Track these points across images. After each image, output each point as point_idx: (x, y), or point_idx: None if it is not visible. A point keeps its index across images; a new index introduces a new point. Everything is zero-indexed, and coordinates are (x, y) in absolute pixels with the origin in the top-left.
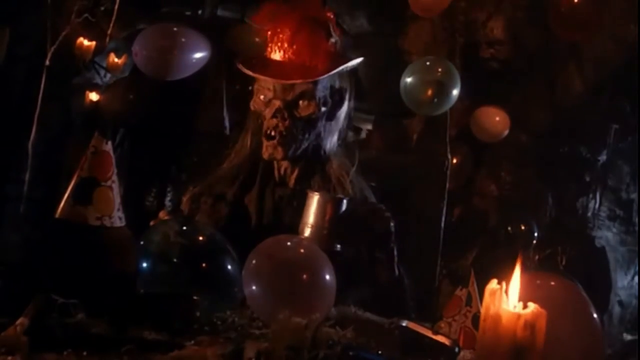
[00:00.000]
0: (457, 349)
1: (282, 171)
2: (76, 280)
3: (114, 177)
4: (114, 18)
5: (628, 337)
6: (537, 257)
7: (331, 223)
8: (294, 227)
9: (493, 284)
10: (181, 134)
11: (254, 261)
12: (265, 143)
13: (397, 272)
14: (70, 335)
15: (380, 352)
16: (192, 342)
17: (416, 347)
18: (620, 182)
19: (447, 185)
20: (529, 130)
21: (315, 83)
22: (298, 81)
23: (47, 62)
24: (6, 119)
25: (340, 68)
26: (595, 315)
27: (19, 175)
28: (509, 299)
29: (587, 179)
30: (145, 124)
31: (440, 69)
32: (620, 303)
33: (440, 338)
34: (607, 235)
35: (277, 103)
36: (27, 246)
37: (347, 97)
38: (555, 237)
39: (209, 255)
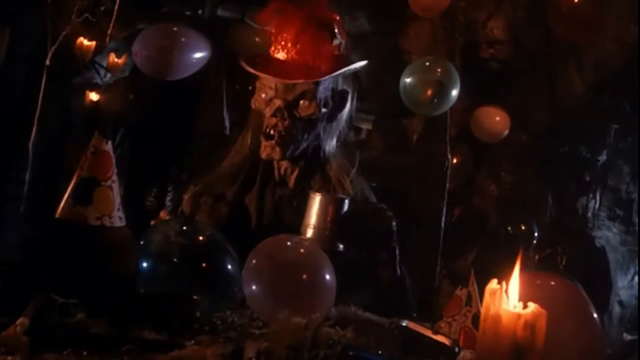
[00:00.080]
0: (457, 349)
1: (282, 171)
2: (76, 280)
3: (114, 177)
4: (114, 18)
5: (628, 337)
6: (537, 257)
7: (333, 223)
8: (294, 227)
9: (493, 283)
10: (181, 133)
11: (254, 261)
12: (263, 143)
13: (399, 271)
14: (70, 335)
15: (380, 352)
16: (192, 342)
17: (416, 347)
18: (620, 182)
19: (447, 185)
20: (529, 130)
21: (317, 84)
22: (300, 81)
23: (48, 62)
24: (6, 119)
25: (343, 70)
26: (595, 315)
27: (19, 175)
28: (509, 298)
29: (587, 179)
30: (145, 123)
31: (439, 69)
32: (620, 303)
33: (440, 338)
34: (607, 235)
35: (278, 102)
36: (27, 246)
37: (348, 99)
38: (555, 237)
39: (209, 255)
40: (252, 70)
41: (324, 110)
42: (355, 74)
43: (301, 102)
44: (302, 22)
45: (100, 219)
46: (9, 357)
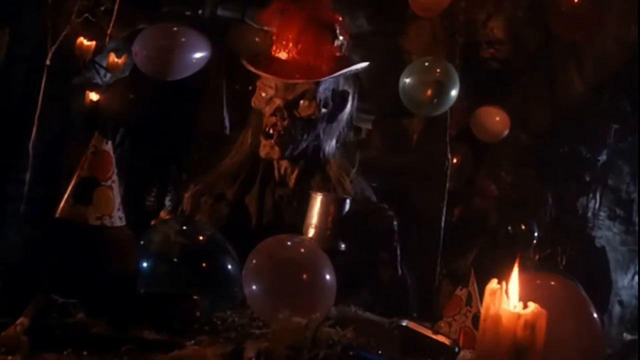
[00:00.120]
0: (457, 349)
1: (282, 171)
2: (76, 280)
3: (114, 177)
4: (114, 18)
5: (628, 337)
6: (537, 257)
7: (335, 223)
8: (294, 227)
9: (493, 283)
10: (181, 133)
11: (254, 261)
12: (263, 142)
13: (400, 271)
14: (70, 335)
15: (380, 352)
16: (192, 342)
17: (416, 346)
18: (620, 182)
19: (447, 185)
20: (529, 130)
21: (317, 84)
22: (300, 81)
23: (48, 62)
24: (6, 119)
25: (344, 71)
26: (595, 315)
27: (19, 175)
28: (509, 298)
29: (587, 179)
30: (146, 123)
31: (438, 70)
32: (620, 303)
33: (441, 338)
34: (607, 235)
35: (278, 101)
36: (27, 246)
37: (349, 100)
38: (555, 237)
39: (209, 255)
40: (253, 69)
41: (323, 110)
42: (357, 75)
43: (301, 102)
44: (303, 22)
45: (101, 218)
46: (9, 357)
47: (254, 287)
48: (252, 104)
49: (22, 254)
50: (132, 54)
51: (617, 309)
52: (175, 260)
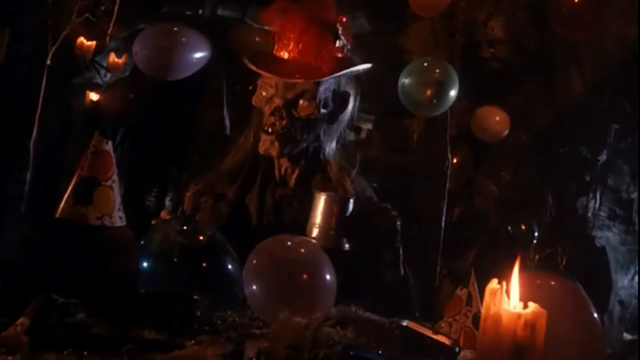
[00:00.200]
0: (457, 349)
1: (282, 171)
2: (76, 280)
3: (115, 177)
4: (114, 18)
5: (628, 337)
6: (537, 257)
7: (338, 223)
8: (295, 227)
9: (493, 283)
10: (181, 133)
11: (254, 261)
12: (262, 137)
13: (402, 271)
14: (70, 335)
15: (380, 352)
16: (192, 342)
17: (416, 346)
18: (620, 182)
19: (447, 185)
20: (529, 130)
21: (318, 84)
22: (300, 80)
23: (48, 62)
24: (7, 119)
25: (344, 72)
26: (595, 315)
27: (20, 175)
28: (510, 298)
29: (587, 179)
30: (146, 123)
31: (438, 70)
32: (621, 303)
33: (441, 338)
34: (607, 235)
35: (277, 101)
36: (27, 246)
37: (350, 101)
38: (555, 237)
39: (210, 255)
40: (253, 68)
41: (323, 111)
42: (358, 76)
43: (300, 101)
44: (305, 22)
45: (101, 218)
46: (9, 357)
47: (254, 287)
48: (253, 103)
49: (22, 254)
50: (132, 54)
51: (617, 309)
52: (175, 260)
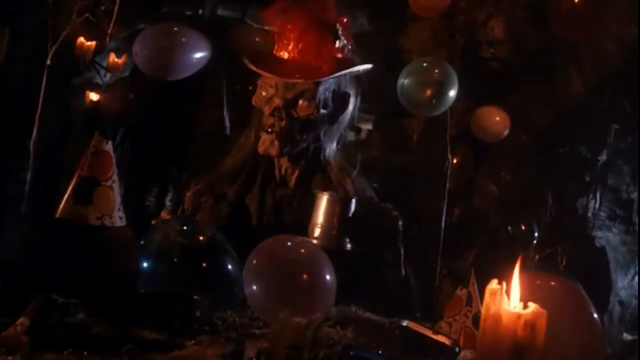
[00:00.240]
0: (457, 349)
1: (282, 171)
2: (76, 280)
3: (115, 177)
4: (114, 18)
5: (628, 337)
6: (537, 257)
7: (340, 223)
8: (295, 227)
9: (493, 284)
10: (181, 133)
11: (254, 261)
12: (262, 137)
13: (403, 272)
14: (70, 335)
15: (380, 352)
16: (192, 342)
17: (416, 346)
18: (620, 182)
19: (447, 185)
20: (529, 130)
21: (317, 84)
22: (299, 80)
23: (48, 62)
24: (7, 119)
25: (343, 72)
26: (595, 315)
27: (20, 175)
28: (510, 298)
29: (587, 179)
30: (146, 123)
31: (437, 70)
32: (620, 303)
33: (441, 338)
34: (607, 235)
35: (277, 101)
36: (28, 246)
37: (350, 101)
38: (555, 237)
39: (210, 255)
40: (253, 68)
41: (323, 111)
42: (358, 76)
43: (300, 101)
44: (305, 22)
45: (101, 218)
46: (9, 357)
47: (254, 287)
48: (253, 103)
49: (22, 254)
50: (132, 54)
51: (617, 309)
52: (175, 260)
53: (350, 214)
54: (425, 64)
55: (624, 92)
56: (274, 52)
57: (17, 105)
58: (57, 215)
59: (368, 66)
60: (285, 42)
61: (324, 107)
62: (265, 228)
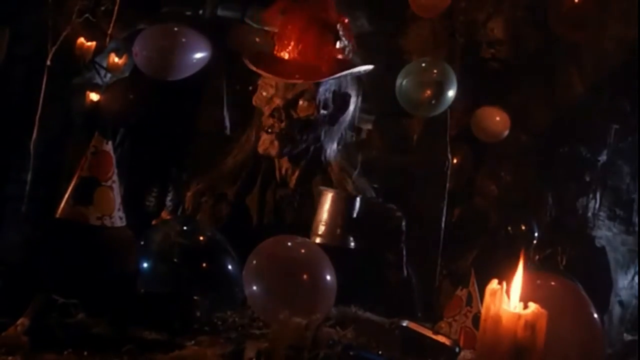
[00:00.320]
0: (457, 349)
1: (283, 172)
2: (76, 280)
3: (115, 177)
4: (114, 18)
5: (628, 337)
6: (537, 257)
7: (345, 221)
8: (295, 227)
9: (493, 284)
10: (181, 133)
11: (254, 261)
12: (262, 137)
13: (405, 272)
14: (70, 335)
15: (380, 352)
16: (192, 342)
17: (416, 347)
18: (620, 182)
19: (447, 185)
20: (529, 130)
21: (317, 84)
22: (299, 81)
23: (48, 62)
24: (7, 119)
25: (344, 73)
26: (595, 315)
27: (20, 175)
28: (510, 299)
29: (587, 179)
30: (146, 123)
31: (436, 70)
32: (621, 303)
33: (441, 338)
34: (607, 235)
35: (277, 101)
36: (28, 246)
37: (351, 102)
38: (555, 237)
39: (210, 255)
40: (253, 68)
41: (323, 112)
42: (359, 77)
43: (300, 102)
44: (305, 22)
45: (101, 219)
46: (9, 357)
47: (254, 287)
48: (254, 103)
49: (22, 254)
50: (132, 55)
51: (617, 309)
52: (175, 260)
53: (355, 213)
54: (424, 64)
55: (624, 92)
56: (274, 52)
57: (17, 106)
58: (57, 216)
59: (369, 67)
60: (285, 42)
61: (325, 108)
62: (266, 228)
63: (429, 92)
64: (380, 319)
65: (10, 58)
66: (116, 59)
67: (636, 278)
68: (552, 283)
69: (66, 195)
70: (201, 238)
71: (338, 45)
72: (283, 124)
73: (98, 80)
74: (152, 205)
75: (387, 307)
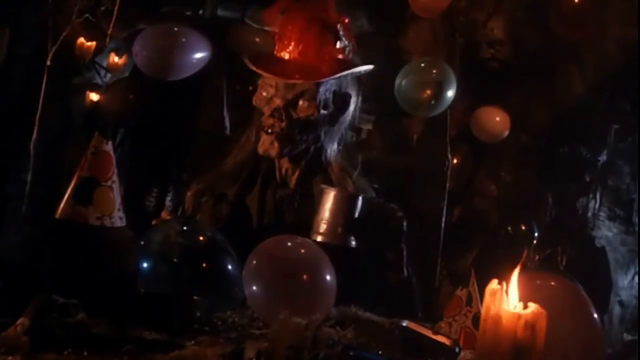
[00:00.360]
0: (457, 349)
1: (283, 172)
2: (76, 280)
3: (115, 177)
4: (114, 18)
5: (628, 337)
6: (537, 257)
7: (347, 219)
8: (295, 227)
9: (493, 284)
10: (181, 133)
11: (254, 261)
12: (262, 137)
13: (405, 272)
14: (70, 335)
15: (380, 352)
16: (192, 342)
17: (416, 347)
18: (620, 182)
19: (447, 185)
20: (529, 130)
21: (318, 84)
22: (299, 81)
23: (48, 62)
24: (7, 119)
25: (343, 73)
26: (595, 315)
27: (20, 175)
28: (510, 299)
29: (587, 179)
30: (146, 123)
31: (435, 70)
32: (621, 303)
33: (441, 338)
34: (607, 235)
35: (277, 102)
36: (27, 246)
37: (351, 102)
38: (555, 237)
39: (210, 256)
40: (253, 68)
41: (323, 112)
42: (359, 77)
43: (300, 102)
44: (305, 22)
45: (101, 219)
46: (9, 357)
47: (254, 287)
48: (254, 103)
49: (22, 254)
50: (132, 55)
51: (617, 309)
52: (175, 260)
53: (356, 212)
54: (423, 64)
55: (624, 92)
56: (275, 52)
57: (17, 106)
58: (57, 216)
59: (369, 67)
60: (285, 42)
61: (325, 108)
62: (266, 228)
63: (428, 92)
64: (380, 319)
65: (10, 58)
66: (116, 59)
67: (636, 278)
68: (552, 283)
69: (66, 195)
70: (201, 238)
71: (338, 45)
72: (283, 123)
73: (98, 80)
74: (152, 205)
75: (387, 307)
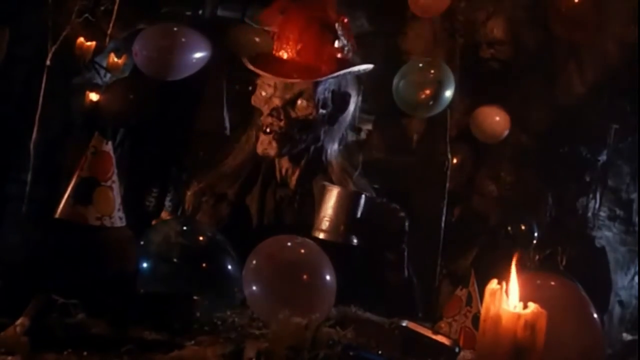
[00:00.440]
0: (457, 349)
1: (283, 172)
2: (76, 280)
3: (114, 177)
4: (114, 18)
5: (628, 337)
6: (537, 257)
7: (349, 218)
8: (295, 227)
9: (493, 284)
10: (181, 133)
11: (254, 261)
12: (261, 137)
13: (406, 272)
14: (70, 335)
15: (380, 352)
16: (192, 342)
17: (416, 347)
18: (620, 182)
19: (447, 185)
20: (529, 130)
21: (316, 84)
22: (297, 80)
23: (48, 62)
24: (7, 119)
25: (342, 72)
26: (595, 315)
27: (20, 175)
28: (509, 299)
29: (587, 179)
30: (146, 124)
31: (433, 70)
32: (620, 303)
33: (441, 338)
34: (607, 235)
35: (276, 101)
36: (27, 246)
37: (351, 102)
38: (555, 237)
39: (210, 256)
40: (252, 68)
41: (322, 111)
42: (359, 77)
43: (298, 101)
44: (304, 22)
45: (101, 219)
46: (9, 357)
47: (254, 287)
48: (252, 103)
49: (22, 254)
50: (132, 54)
51: (617, 309)
52: (175, 260)
53: (359, 210)
54: (421, 65)
55: (624, 92)
56: (274, 52)
57: (17, 106)
58: (57, 216)
59: (368, 66)
60: (284, 42)
61: (324, 107)
62: (266, 228)
63: (426, 92)
64: (380, 319)
65: (10, 58)
66: (116, 59)
67: (636, 278)
68: (552, 283)
69: (66, 195)
70: (201, 238)
71: (337, 44)
72: (282, 124)
73: (98, 80)
74: (152, 205)
75: (387, 307)
